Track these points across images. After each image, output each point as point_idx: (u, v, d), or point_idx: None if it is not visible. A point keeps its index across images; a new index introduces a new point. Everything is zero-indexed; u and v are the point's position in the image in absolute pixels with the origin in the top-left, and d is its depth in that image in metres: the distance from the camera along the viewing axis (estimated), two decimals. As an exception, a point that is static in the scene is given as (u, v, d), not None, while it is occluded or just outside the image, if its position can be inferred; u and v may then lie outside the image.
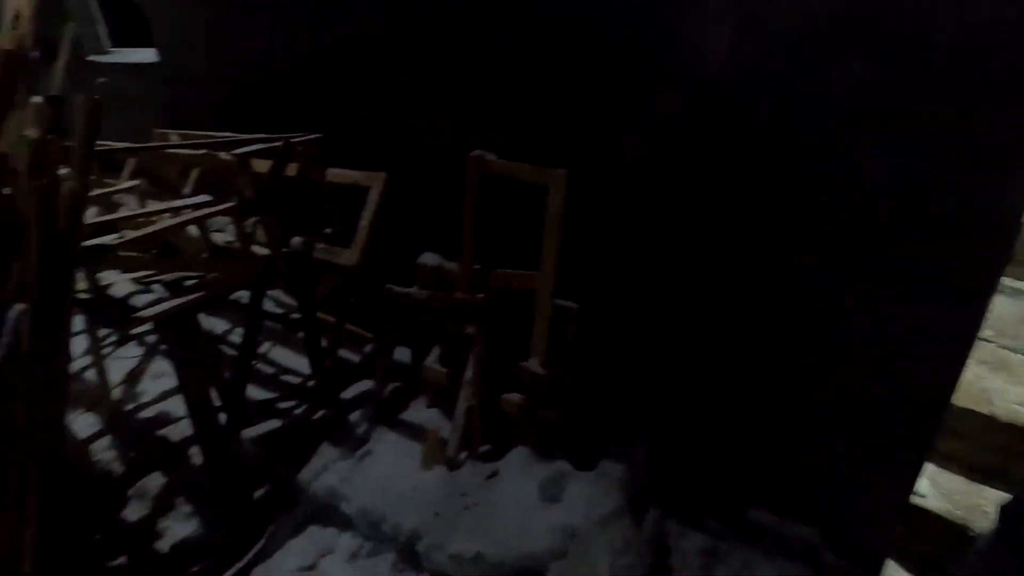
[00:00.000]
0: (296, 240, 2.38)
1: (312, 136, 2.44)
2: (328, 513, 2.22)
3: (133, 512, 2.32)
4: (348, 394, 2.73)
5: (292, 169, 2.36)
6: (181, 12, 3.19)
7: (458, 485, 2.11)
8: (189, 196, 2.92)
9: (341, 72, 2.67)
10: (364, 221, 2.30)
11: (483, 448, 2.24)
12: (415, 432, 2.40)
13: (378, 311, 2.57)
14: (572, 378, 2.22)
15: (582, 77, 2.02)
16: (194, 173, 2.93)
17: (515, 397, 2.15)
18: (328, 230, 2.58)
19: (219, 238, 2.58)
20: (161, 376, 3.07)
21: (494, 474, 2.14)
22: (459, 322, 2.32)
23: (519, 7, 2.05)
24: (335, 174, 2.46)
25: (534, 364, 2.12)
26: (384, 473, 2.22)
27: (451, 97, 2.37)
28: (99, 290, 2.08)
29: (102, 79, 1.95)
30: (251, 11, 2.93)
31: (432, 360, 2.42)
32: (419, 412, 2.51)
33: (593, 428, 2.37)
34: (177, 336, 2.23)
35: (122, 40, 3.83)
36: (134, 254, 2.02)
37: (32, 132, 2.00)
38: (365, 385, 2.79)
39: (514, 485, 2.07)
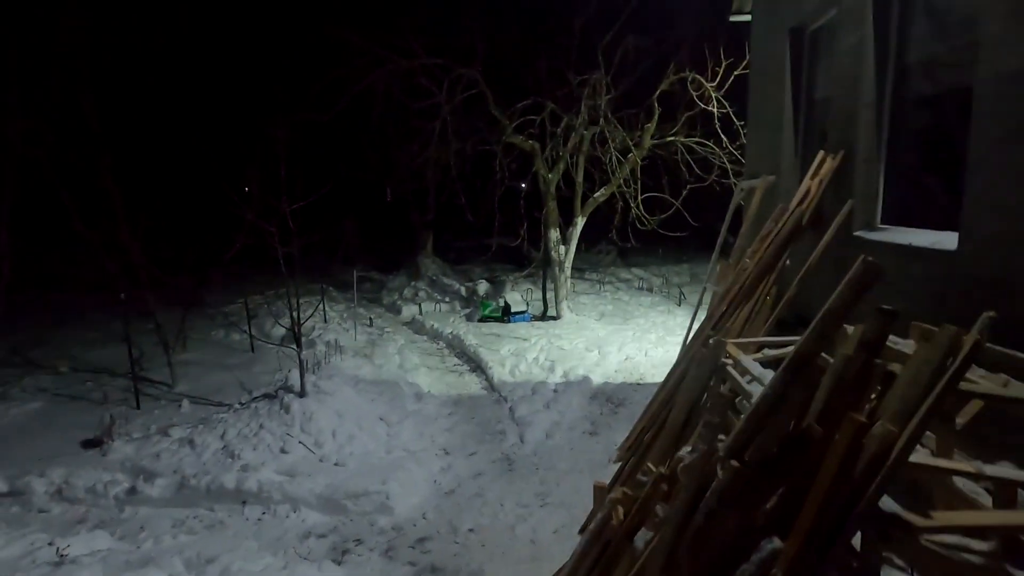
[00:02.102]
0: None
1: None
2: None
3: None
4: None
5: None
6: None
7: None
8: (965, 430, 2.17)
9: None
10: None
11: None
12: None
13: None
14: None
15: None
16: (976, 404, 2.16)
17: None
18: None
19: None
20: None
21: None
22: None
23: None
24: None
25: None
26: None
27: None
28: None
29: (990, 313, 1.45)
30: None
31: None
32: None
33: None
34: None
35: (898, 217, 3.53)
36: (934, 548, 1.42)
37: (848, 345, 1.74)
38: None
39: None
